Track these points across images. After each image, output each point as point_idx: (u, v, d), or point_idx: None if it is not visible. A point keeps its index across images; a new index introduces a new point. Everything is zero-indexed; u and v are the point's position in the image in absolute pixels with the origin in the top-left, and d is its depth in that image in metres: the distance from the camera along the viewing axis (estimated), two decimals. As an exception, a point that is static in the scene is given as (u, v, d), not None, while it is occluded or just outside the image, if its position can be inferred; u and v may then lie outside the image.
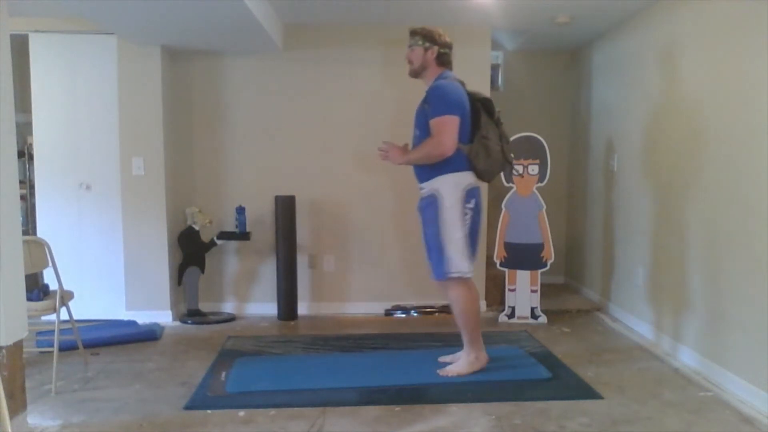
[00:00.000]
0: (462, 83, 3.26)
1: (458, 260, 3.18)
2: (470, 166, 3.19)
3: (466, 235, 3.18)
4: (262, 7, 3.75)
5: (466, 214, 3.17)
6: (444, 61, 3.27)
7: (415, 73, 3.31)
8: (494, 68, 5.54)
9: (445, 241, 3.17)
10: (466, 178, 3.18)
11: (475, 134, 3.20)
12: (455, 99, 3.14)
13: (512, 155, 3.40)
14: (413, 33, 3.28)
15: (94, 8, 3.48)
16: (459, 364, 3.31)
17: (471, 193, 3.20)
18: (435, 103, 3.13)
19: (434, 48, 3.23)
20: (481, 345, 3.34)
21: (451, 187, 3.15)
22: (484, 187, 4.69)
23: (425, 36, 3.24)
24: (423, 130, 3.20)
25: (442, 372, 3.29)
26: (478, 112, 3.22)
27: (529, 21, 4.49)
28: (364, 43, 4.65)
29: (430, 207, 3.21)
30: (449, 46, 3.28)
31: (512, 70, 5.76)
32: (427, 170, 3.21)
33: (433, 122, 3.11)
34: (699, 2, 3.44)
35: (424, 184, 3.27)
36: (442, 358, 3.49)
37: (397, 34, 4.59)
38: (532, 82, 5.71)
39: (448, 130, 3.08)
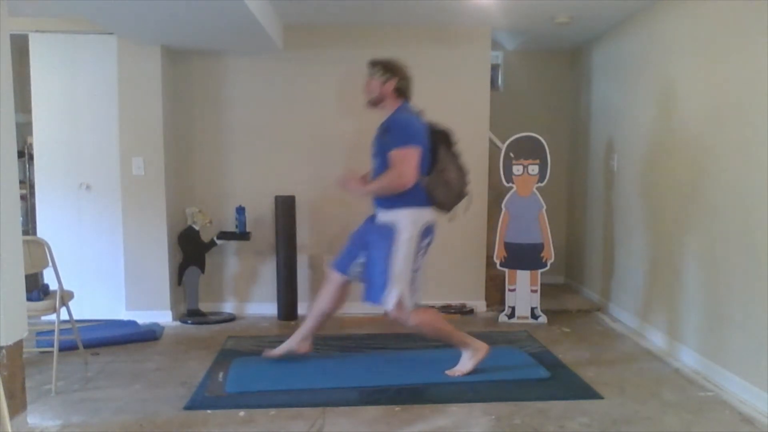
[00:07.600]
0: (419, 114, 3.27)
1: (406, 295, 3.13)
2: (429, 199, 3.18)
3: (415, 272, 3.16)
4: (262, 7, 3.75)
5: (419, 251, 3.17)
6: (402, 92, 3.27)
7: (373, 104, 3.32)
8: (494, 68, 5.53)
9: (393, 273, 3.11)
10: (424, 215, 3.18)
11: (434, 166, 3.21)
12: (416, 131, 3.15)
13: (468, 189, 3.35)
14: (373, 64, 3.30)
15: (94, 8, 3.49)
16: (461, 364, 3.32)
17: (428, 231, 3.20)
18: (396, 134, 3.12)
19: (393, 80, 3.23)
20: (469, 340, 3.33)
21: (409, 222, 3.14)
22: (484, 187, 4.75)
23: (385, 67, 3.26)
24: (382, 160, 3.20)
25: (449, 372, 3.30)
26: (437, 144, 3.24)
27: (529, 21, 4.50)
28: (364, 43, 4.64)
29: (383, 237, 3.17)
30: (408, 79, 3.29)
31: (512, 70, 5.75)
32: (387, 199, 3.20)
33: (394, 154, 3.10)
34: (699, 2, 3.45)
35: (380, 211, 3.26)
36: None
37: (397, 35, 4.61)
38: (532, 82, 5.70)
39: (409, 162, 3.08)
